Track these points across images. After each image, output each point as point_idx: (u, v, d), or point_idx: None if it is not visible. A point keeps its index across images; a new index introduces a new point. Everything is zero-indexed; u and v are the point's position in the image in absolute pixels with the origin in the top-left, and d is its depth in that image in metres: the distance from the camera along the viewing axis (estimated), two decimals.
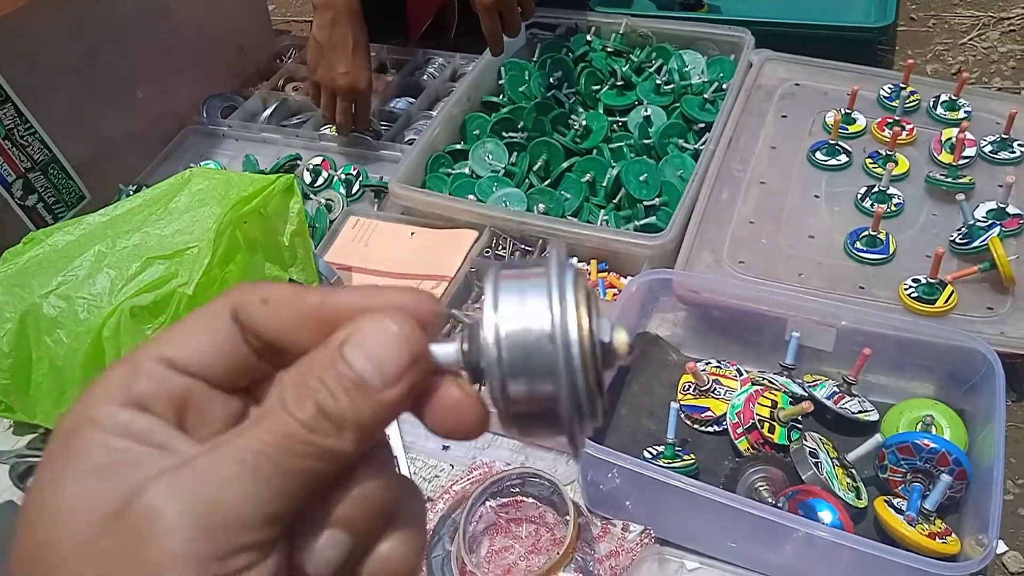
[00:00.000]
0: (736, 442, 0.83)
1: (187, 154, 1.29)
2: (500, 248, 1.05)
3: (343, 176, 1.19)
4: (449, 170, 1.17)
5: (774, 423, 0.82)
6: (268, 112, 1.35)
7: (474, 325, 0.26)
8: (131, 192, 1.18)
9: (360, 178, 1.19)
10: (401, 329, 0.24)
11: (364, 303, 0.25)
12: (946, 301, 0.88)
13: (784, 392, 0.85)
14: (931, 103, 1.14)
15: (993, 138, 1.07)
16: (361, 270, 1.06)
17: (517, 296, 0.24)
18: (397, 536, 0.25)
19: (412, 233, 1.10)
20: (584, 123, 1.19)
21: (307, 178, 1.20)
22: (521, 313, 0.24)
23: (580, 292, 0.24)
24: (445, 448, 0.89)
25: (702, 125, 1.18)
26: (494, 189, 1.11)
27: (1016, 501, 0.82)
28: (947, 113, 1.12)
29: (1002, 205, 0.96)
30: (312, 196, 1.18)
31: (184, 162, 1.26)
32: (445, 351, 0.25)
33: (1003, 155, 1.05)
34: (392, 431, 0.89)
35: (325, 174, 1.20)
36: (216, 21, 1.39)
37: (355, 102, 1.20)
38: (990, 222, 0.95)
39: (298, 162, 1.24)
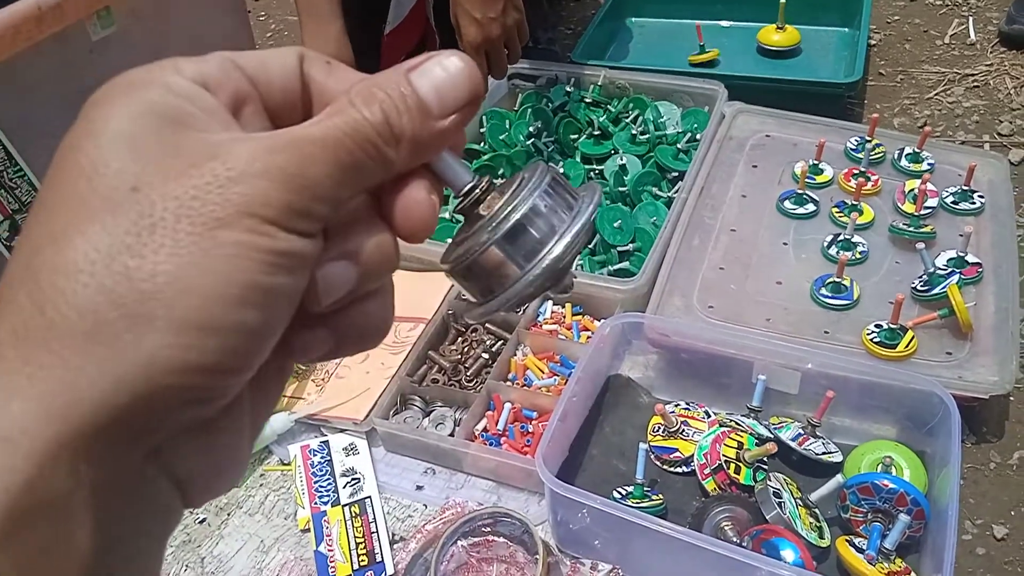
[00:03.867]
0: (703, 482, 0.85)
1: None
2: None
3: None
4: None
5: (740, 464, 0.84)
6: None
7: (502, 186, 0.29)
8: None
9: None
10: (467, 67, 0.26)
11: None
12: (907, 346, 0.91)
13: (750, 434, 0.87)
14: (896, 155, 1.18)
15: (954, 190, 1.11)
16: None
17: (550, 204, 0.28)
18: (379, 298, 0.28)
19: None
20: (561, 171, 1.22)
21: None
22: (542, 215, 0.28)
23: (586, 232, 0.28)
24: (419, 488, 0.90)
25: (676, 174, 1.21)
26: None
27: (974, 541, 0.84)
28: (911, 165, 1.16)
29: (961, 254, 0.99)
30: None
31: None
32: (454, 170, 0.28)
33: (963, 206, 1.09)
34: (367, 472, 0.91)
35: None
36: None
37: None
38: (950, 270, 0.98)
39: None
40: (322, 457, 0.93)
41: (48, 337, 0.21)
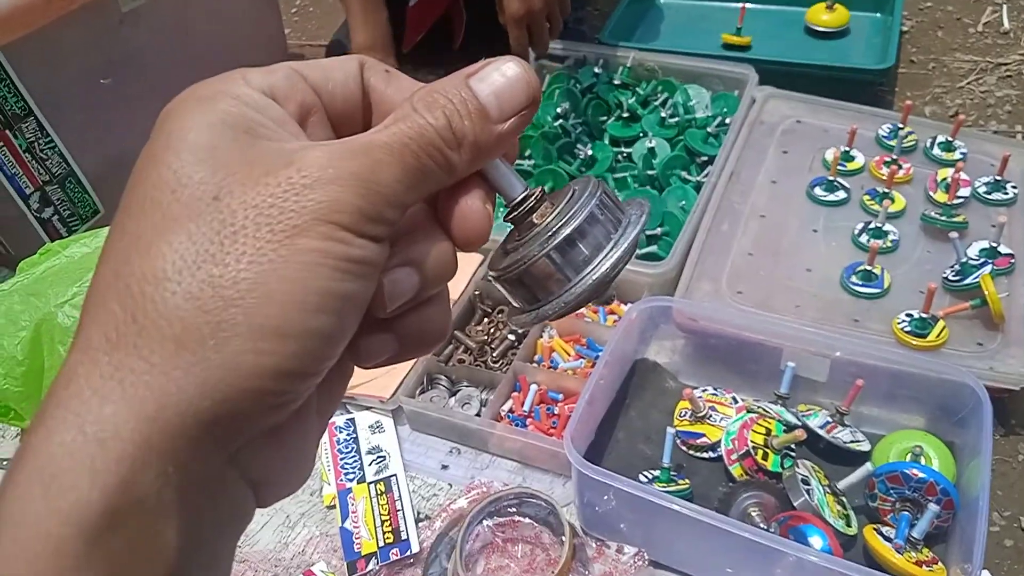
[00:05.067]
0: (730, 468, 0.85)
1: None
2: None
3: None
4: None
5: (768, 450, 0.84)
6: None
7: (553, 196, 0.30)
8: None
9: None
10: (525, 72, 0.27)
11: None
12: (938, 336, 0.91)
13: (778, 420, 0.87)
14: (928, 143, 1.17)
15: (987, 179, 1.09)
16: None
17: (600, 219, 0.29)
18: (438, 304, 0.29)
19: None
20: (590, 153, 1.21)
21: None
22: (593, 228, 0.29)
23: (633, 248, 0.29)
24: (444, 467, 0.91)
25: (705, 158, 1.21)
26: (500, 214, 1.13)
27: (1002, 532, 0.84)
28: (943, 154, 1.15)
29: (994, 244, 0.98)
30: None
31: None
32: (508, 179, 0.29)
33: (996, 196, 1.07)
34: (393, 450, 0.91)
35: None
36: (234, 42, 1.43)
37: None
38: (982, 260, 0.97)
39: None
40: (348, 434, 0.93)
41: (139, 343, 0.22)
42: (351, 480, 0.89)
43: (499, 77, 0.27)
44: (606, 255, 0.29)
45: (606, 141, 1.26)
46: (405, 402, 0.92)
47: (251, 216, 0.23)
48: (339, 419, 0.95)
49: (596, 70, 1.35)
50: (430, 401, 0.94)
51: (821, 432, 0.86)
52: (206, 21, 1.35)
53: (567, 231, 0.28)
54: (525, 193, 0.29)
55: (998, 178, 1.09)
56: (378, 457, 0.91)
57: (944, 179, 1.09)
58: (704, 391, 0.93)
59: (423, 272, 0.27)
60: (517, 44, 1.14)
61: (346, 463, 0.90)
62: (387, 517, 0.85)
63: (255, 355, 0.22)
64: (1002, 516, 0.85)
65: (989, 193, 1.08)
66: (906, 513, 0.77)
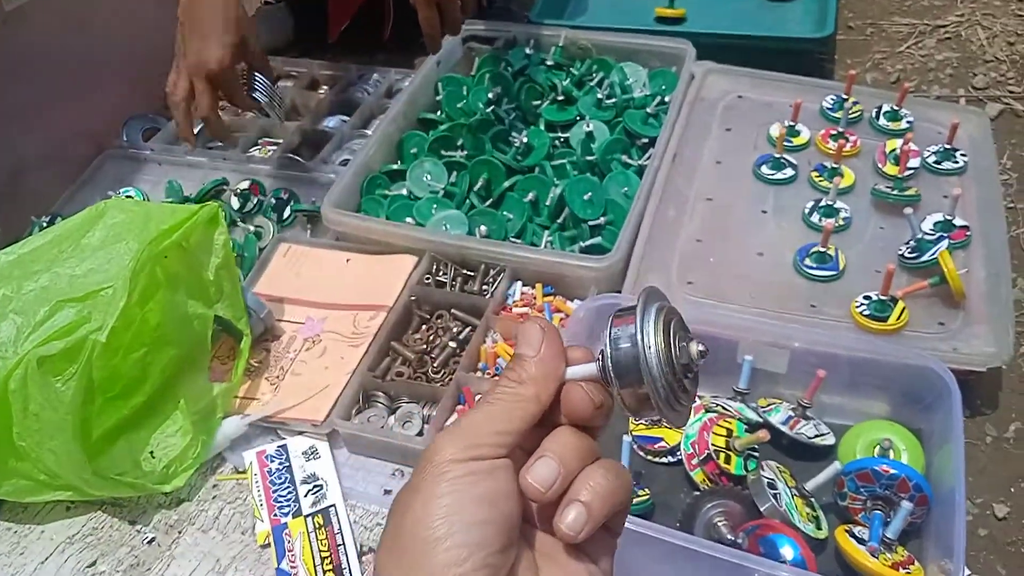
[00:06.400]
0: (692, 473, 0.80)
1: (106, 180, 1.22)
2: (441, 274, 1.00)
3: (273, 200, 1.14)
4: (386, 192, 1.12)
5: (730, 453, 0.79)
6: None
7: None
8: (44, 224, 1.10)
9: (291, 202, 1.13)
10: (540, 324, 0.39)
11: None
12: (898, 318, 0.87)
13: (739, 419, 0.82)
14: (873, 114, 1.13)
15: (936, 148, 1.06)
16: (294, 301, 1.01)
17: (621, 331, 0.37)
18: (605, 470, 0.37)
19: (348, 260, 1.04)
20: (525, 140, 1.15)
21: (235, 203, 1.14)
22: (622, 341, 0.37)
23: (658, 322, 0.37)
24: (387, 492, 0.84)
25: (645, 140, 1.15)
26: (433, 211, 1.07)
27: (975, 521, 0.80)
28: (890, 123, 1.11)
29: (948, 217, 0.95)
30: (240, 223, 1.12)
31: (103, 189, 1.19)
32: (586, 369, 0.39)
33: (946, 165, 1.04)
34: (330, 478, 0.84)
35: (254, 199, 1.14)
36: (138, 38, 1.32)
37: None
38: (938, 234, 0.93)
39: (225, 187, 1.17)
40: (280, 463, 0.85)
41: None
42: (286, 514, 0.81)
43: (522, 334, 0.39)
44: (644, 352, 0.36)
45: (542, 127, 1.20)
46: (340, 424, 0.85)
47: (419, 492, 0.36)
48: (270, 447, 0.87)
49: (527, 51, 1.28)
50: (367, 421, 0.87)
51: (784, 428, 0.81)
52: (106, 20, 1.24)
53: (610, 362, 0.37)
54: (598, 362, 0.38)
55: (947, 147, 1.05)
56: (315, 486, 0.83)
57: (893, 150, 1.05)
58: None
59: (558, 455, 0.37)
60: (427, 24, 1.05)
61: (280, 495, 0.83)
62: (327, 554, 0.78)
63: (455, 552, 0.34)
64: (974, 504, 0.82)
65: (939, 163, 1.05)
66: (878, 512, 0.73)
